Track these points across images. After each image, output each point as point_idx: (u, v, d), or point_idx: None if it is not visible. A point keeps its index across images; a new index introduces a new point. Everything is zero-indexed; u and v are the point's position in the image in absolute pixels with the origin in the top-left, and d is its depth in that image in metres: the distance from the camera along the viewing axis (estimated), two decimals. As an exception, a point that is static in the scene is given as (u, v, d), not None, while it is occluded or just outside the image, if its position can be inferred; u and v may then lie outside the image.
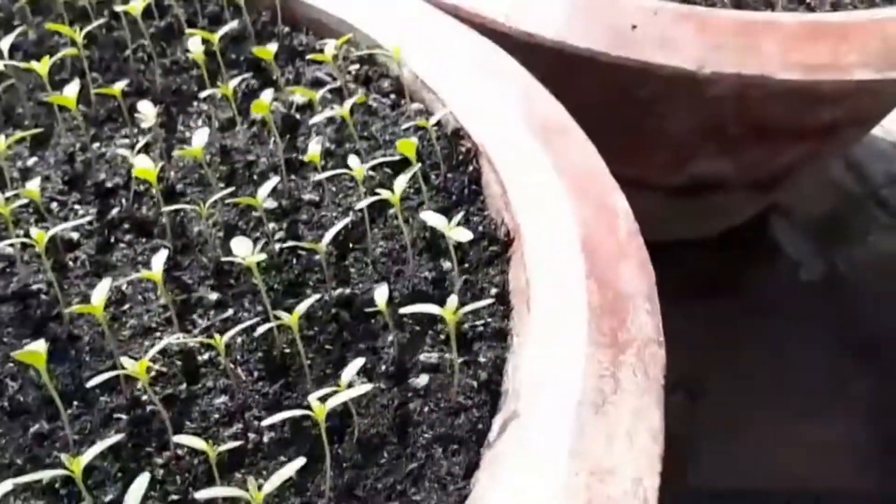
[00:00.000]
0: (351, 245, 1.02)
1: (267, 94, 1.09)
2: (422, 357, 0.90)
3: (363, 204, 0.97)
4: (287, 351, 0.90)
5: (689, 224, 2.00)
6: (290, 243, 0.98)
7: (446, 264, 0.99)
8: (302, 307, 0.85)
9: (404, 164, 1.03)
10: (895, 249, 2.09)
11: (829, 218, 2.13)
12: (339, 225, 0.95)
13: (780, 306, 1.93)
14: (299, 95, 1.16)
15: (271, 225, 1.02)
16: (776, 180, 1.78)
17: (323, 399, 0.76)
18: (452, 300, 0.84)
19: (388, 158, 1.06)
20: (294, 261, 1.00)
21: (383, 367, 0.89)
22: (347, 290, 0.96)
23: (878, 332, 1.91)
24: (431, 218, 0.92)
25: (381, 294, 0.88)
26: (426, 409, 0.86)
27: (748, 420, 1.69)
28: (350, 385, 0.79)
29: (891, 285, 2.00)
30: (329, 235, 0.92)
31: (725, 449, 1.66)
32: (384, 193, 0.95)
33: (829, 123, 1.57)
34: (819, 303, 1.94)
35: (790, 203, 2.14)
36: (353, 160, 1.00)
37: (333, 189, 1.09)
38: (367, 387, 0.79)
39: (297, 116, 1.19)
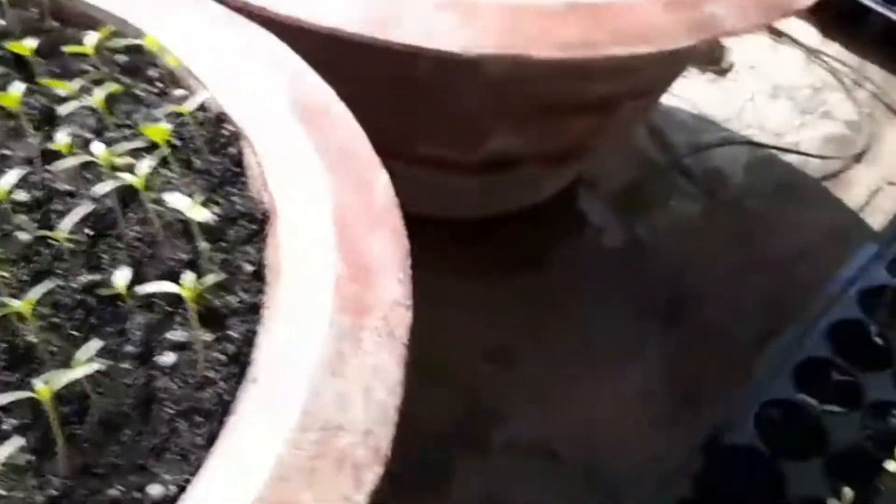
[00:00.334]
0: (104, 232, 1.02)
1: (16, 87, 1.08)
2: (169, 336, 0.92)
3: (104, 189, 0.98)
4: (32, 340, 0.90)
5: (501, 199, 2.07)
6: (39, 233, 0.98)
7: (203, 245, 1.01)
8: (34, 293, 0.85)
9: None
10: (695, 214, 2.23)
11: (632, 187, 2.26)
12: (81, 211, 0.95)
13: (585, 274, 2.03)
14: (61, 89, 1.15)
15: (23, 217, 1.02)
16: (569, 153, 1.87)
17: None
18: (189, 277, 0.87)
19: (139, 144, 1.07)
20: (44, 251, 1.00)
21: (129, 348, 0.90)
22: (97, 277, 0.96)
23: (678, 293, 2.04)
24: (174, 200, 0.94)
25: (121, 277, 0.89)
26: (172, 385, 0.88)
27: (554, 384, 1.78)
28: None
29: (690, 248, 2.14)
30: (69, 222, 0.93)
31: (533, 412, 1.74)
32: (128, 178, 0.96)
33: (605, 98, 1.67)
34: (622, 268, 2.06)
35: (595, 174, 2.25)
36: (96, 146, 1.01)
37: (90, 177, 1.09)
38: (96, 365, 0.81)
39: (57, 109, 1.19)
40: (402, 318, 0.93)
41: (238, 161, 1.15)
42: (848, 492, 1.44)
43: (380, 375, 0.89)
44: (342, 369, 0.88)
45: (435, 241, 1.89)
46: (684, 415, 1.74)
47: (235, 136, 1.15)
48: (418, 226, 1.72)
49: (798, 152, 2.36)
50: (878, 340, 1.77)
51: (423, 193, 1.94)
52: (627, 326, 1.90)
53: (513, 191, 2.05)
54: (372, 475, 0.82)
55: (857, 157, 2.37)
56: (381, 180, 1.08)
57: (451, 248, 1.96)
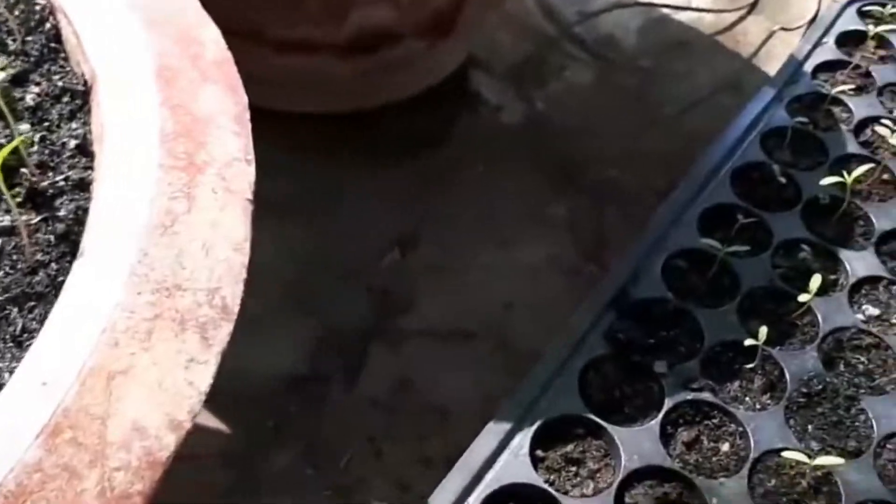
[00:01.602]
0: None
1: None
2: (-13, 223, 0.83)
3: None
4: None
5: (388, 86, 1.99)
6: None
7: (23, 126, 0.92)
8: None
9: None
10: (589, 80, 2.18)
11: (526, 62, 2.19)
12: None
13: (484, 152, 1.98)
14: None
15: None
16: (445, 23, 1.79)
17: None
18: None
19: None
20: None
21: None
22: None
23: (577, 158, 2.00)
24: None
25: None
26: None
27: (462, 263, 1.73)
28: None
29: (587, 113, 2.09)
30: None
31: (443, 294, 1.70)
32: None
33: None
34: (521, 142, 2.01)
35: (488, 54, 2.17)
36: None
37: None
38: None
39: None
40: (242, 174, 0.86)
41: (55, 36, 1.05)
42: (764, 330, 1.42)
43: (221, 232, 0.82)
44: (175, 228, 0.81)
45: (327, 134, 1.82)
46: (593, 274, 1.71)
47: (50, 11, 1.05)
48: (308, 123, 1.63)
49: (690, 9, 2.32)
50: (782, 180, 1.75)
51: (305, 89, 1.86)
52: (530, 196, 1.87)
53: (400, 76, 1.97)
54: (221, 334, 0.75)
55: (750, 8, 2.33)
56: (210, 35, 1.00)
57: (345, 140, 1.89)
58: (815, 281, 1.50)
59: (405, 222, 1.77)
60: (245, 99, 0.96)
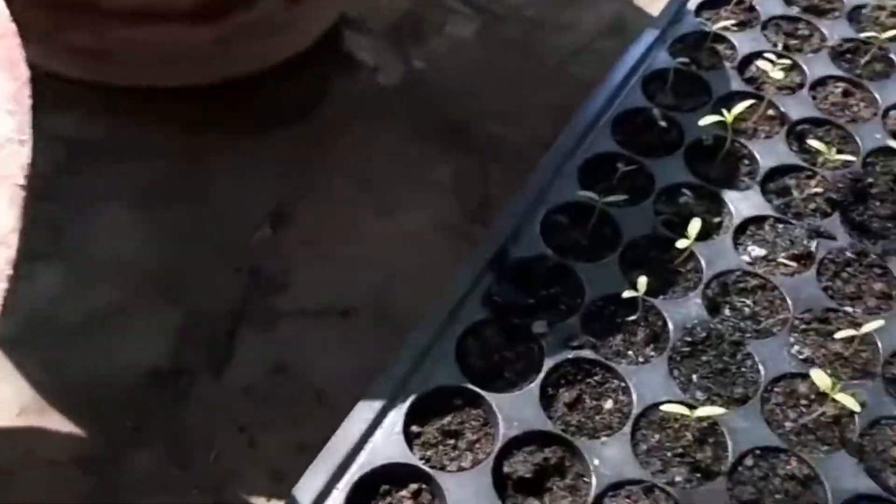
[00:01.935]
0: None
1: None
2: None
3: None
4: None
5: (251, 55, 1.89)
6: None
7: None
8: None
9: None
10: (471, 34, 2.10)
11: (404, 19, 2.11)
12: None
13: (361, 117, 1.91)
14: None
15: None
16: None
17: None
18: None
19: None
20: None
21: None
22: None
23: (461, 115, 1.93)
24: None
25: None
26: None
27: (339, 236, 1.66)
28: None
29: (470, 69, 2.02)
30: None
31: (319, 270, 1.62)
32: None
33: None
34: (400, 103, 1.94)
35: (363, 13, 2.08)
36: None
37: None
38: None
39: None
40: (13, 156, 0.77)
41: None
42: (643, 280, 1.38)
43: (-14, 223, 0.73)
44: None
45: (193, 109, 1.72)
46: (477, 236, 1.65)
47: None
48: (172, 98, 1.52)
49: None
50: (663, 124, 1.71)
51: (164, 62, 1.75)
52: (412, 159, 1.80)
53: (264, 42, 1.87)
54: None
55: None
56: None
57: (213, 114, 1.79)
58: (695, 225, 1.46)
59: (279, 196, 1.69)
60: (26, 74, 0.86)
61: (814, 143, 1.64)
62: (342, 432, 1.24)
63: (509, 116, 1.87)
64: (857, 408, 1.24)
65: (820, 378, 1.26)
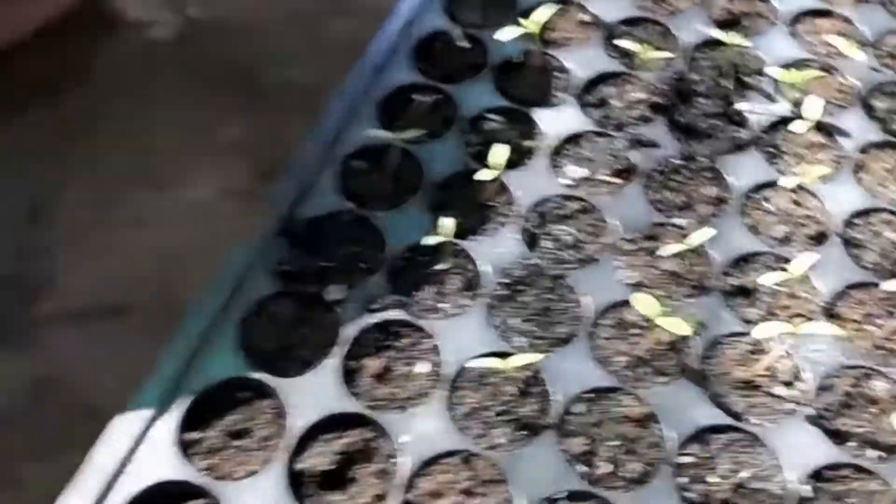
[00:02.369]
0: None
1: None
2: None
3: None
4: None
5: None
6: None
7: None
8: None
9: None
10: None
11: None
12: None
13: (134, 78, 1.68)
14: None
15: None
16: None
17: None
18: None
19: None
20: None
21: None
22: None
23: (245, 66, 1.73)
24: None
25: None
26: None
27: (110, 215, 1.46)
28: None
29: (247, 9, 1.82)
30: None
31: (88, 264, 1.42)
32: None
33: None
34: (178, 57, 1.73)
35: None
36: None
37: None
38: None
39: None
40: None
41: None
42: (448, 222, 1.23)
43: None
44: None
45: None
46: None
47: None
48: None
49: None
50: (465, 44, 1.55)
51: None
52: (195, 119, 1.61)
53: (13, 8, 1.63)
54: None
55: None
56: None
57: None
58: (498, 153, 1.32)
59: (39, 187, 1.46)
60: None
61: (626, 44, 1.51)
62: (98, 454, 1.07)
63: (302, 57, 1.69)
64: (685, 331, 1.12)
65: (643, 303, 1.14)
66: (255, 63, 1.70)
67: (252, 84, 1.66)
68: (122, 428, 1.09)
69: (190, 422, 1.12)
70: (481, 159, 1.37)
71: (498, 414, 1.14)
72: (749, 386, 1.17)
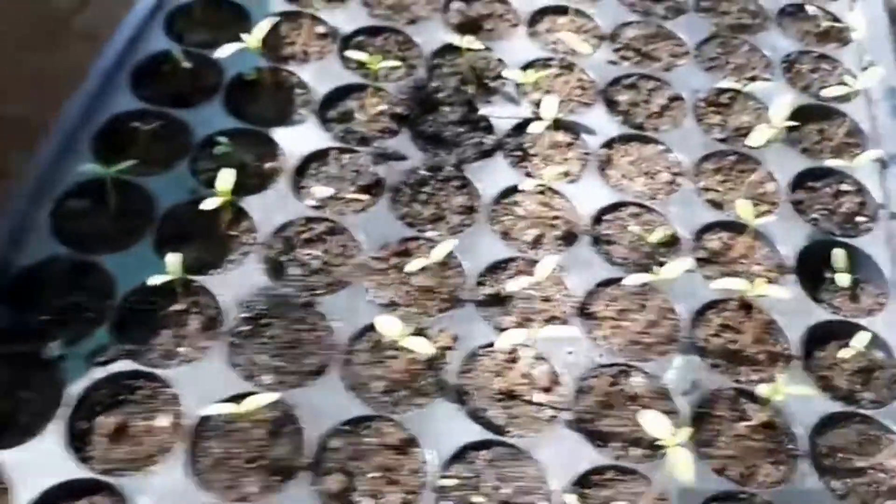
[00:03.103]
0: None
1: None
2: None
3: None
4: None
5: None
6: None
7: None
8: None
9: None
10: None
11: None
12: None
13: None
14: None
15: None
16: None
17: None
18: None
19: None
20: None
21: None
22: None
23: None
24: None
25: None
26: None
27: None
28: None
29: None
30: None
31: None
32: None
33: None
34: None
35: None
36: None
37: None
38: None
39: None
40: None
41: None
42: (174, 259, 1.17)
43: None
44: None
45: None
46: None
47: None
48: None
49: None
50: (188, 65, 1.50)
51: None
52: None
53: None
54: None
55: None
56: None
57: None
58: (225, 178, 1.29)
59: None
60: None
61: (360, 55, 1.50)
62: None
63: (20, 89, 1.57)
64: (428, 350, 1.12)
65: (386, 326, 1.13)
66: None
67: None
68: None
69: None
70: (213, 186, 1.32)
71: (248, 461, 1.10)
72: (509, 396, 1.19)
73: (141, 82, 1.52)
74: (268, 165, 1.43)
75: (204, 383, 1.16)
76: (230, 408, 1.07)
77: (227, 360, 1.19)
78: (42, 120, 1.46)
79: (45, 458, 1.08)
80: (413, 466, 1.13)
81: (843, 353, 1.24)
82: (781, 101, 1.43)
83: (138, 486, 1.08)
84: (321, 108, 1.52)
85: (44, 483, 1.06)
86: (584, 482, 1.12)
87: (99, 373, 1.17)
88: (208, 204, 1.26)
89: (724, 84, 1.59)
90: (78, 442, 1.11)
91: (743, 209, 1.32)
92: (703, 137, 1.53)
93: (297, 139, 1.46)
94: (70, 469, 1.08)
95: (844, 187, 1.48)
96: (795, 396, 1.17)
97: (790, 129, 1.49)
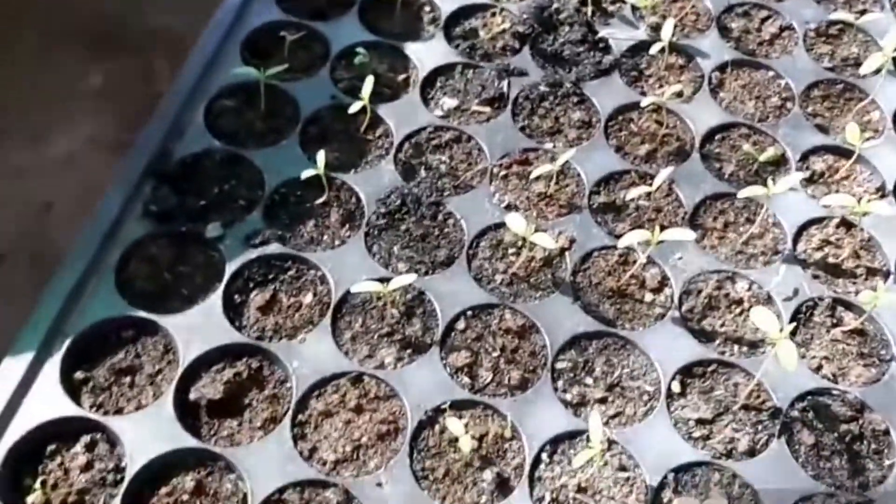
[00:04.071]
0: None
1: None
2: None
3: None
4: None
5: None
6: None
7: None
8: None
9: None
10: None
11: None
12: None
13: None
14: None
15: None
16: None
17: None
18: None
19: None
20: None
21: None
22: None
23: (112, 9, 1.74)
24: None
25: None
26: None
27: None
28: None
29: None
30: None
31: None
32: None
33: None
34: (42, 4, 1.71)
35: None
36: None
37: None
38: None
39: None
40: None
41: None
42: (321, 156, 1.30)
43: None
44: None
45: None
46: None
47: None
48: None
49: None
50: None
51: None
52: (59, 68, 1.62)
53: None
54: None
55: None
56: None
57: None
58: (368, 85, 1.38)
59: None
60: None
61: (489, -24, 1.59)
62: (-17, 397, 1.10)
63: (167, 4, 1.71)
64: (553, 244, 1.23)
65: (514, 223, 1.24)
66: (121, 8, 1.71)
67: (119, 30, 1.68)
68: (6, 374, 1.13)
69: (75, 362, 1.17)
70: (352, 93, 1.44)
71: (383, 336, 1.23)
72: (620, 294, 1.29)
73: (283, -4, 1.63)
74: (400, 77, 1.54)
75: (344, 267, 1.29)
76: (376, 286, 1.20)
77: (363, 248, 1.32)
78: (192, 32, 1.59)
79: (206, 323, 1.22)
80: (531, 350, 1.24)
81: (940, 271, 1.30)
82: (893, 33, 1.48)
83: (289, 351, 1.21)
84: (447, 25, 1.61)
85: (204, 345, 1.20)
86: (687, 372, 1.22)
87: (251, 253, 1.30)
88: (352, 108, 1.38)
89: (835, 16, 1.64)
90: (234, 312, 1.25)
91: (851, 133, 1.38)
92: (812, 66, 1.58)
93: (426, 53, 1.57)
94: (228, 334, 1.22)
95: (951, 117, 1.52)
96: (889, 307, 1.25)
97: (898, 60, 1.54)
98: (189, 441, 1.11)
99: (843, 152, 1.43)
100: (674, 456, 1.14)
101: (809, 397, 1.20)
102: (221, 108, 1.46)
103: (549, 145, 1.44)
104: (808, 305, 1.28)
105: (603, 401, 1.20)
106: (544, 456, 1.14)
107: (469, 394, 1.18)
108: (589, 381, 1.21)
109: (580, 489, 1.12)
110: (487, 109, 1.50)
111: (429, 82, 1.53)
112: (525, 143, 1.45)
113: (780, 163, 1.44)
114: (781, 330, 1.10)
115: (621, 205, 1.38)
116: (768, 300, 1.28)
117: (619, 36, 1.59)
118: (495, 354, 1.22)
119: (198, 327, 1.21)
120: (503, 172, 1.41)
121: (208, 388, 1.17)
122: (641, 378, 1.21)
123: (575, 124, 1.48)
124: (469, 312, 1.26)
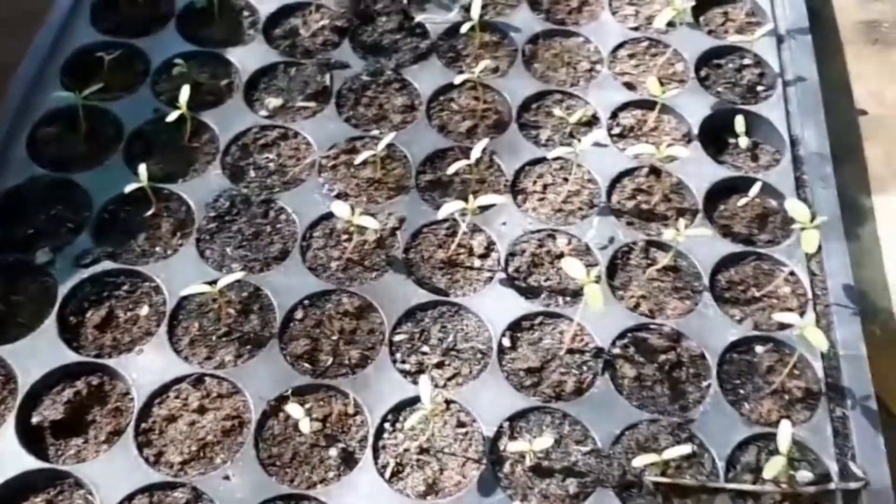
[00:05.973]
0: None
1: None
2: None
3: None
4: None
5: None
6: None
7: None
8: None
9: None
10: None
11: None
12: None
13: None
14: None
15: None
16: None
17: None
18: None
19: None
20: None
21: None
22: None
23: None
24: None
25: None
26: None
27: None
28: None
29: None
30: None
31: None
32: None
33: None
34: None
35: None
36: None
37: None
38: None
39: None
40: None
41: None
42: (143, 168, 1.30)
43: None
44: None
45: None
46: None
47: None
48: None
49: None
50: (145, -3, 1.61)
51: None
52: None
53: None
54: None
55: None
56: None
57: None
58: (184, 93, 1.40)
59: None
60: None
61: (297, -26, 1.62)
62: None
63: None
64: (376, 225, 1.27)
65: (339, 209, 1.27)
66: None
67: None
68: None
69: None
70: (176, 105, 1.45)
71: (221, 336, 1.25)
72: (450, 264, 1.33)
73: (99, 15, 1.63)
74: (223, 82, 1.55)
75: (179, 275, 1.30)
76: (204, 287, 1.22)
77: (196, 253, 1.33)
78: (11, 62, 1.58)
79: (43, 347, 1.22)
80: (368, 328, 1.28)
81: (742, 202, 1.39)
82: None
83: (128, 363, 1.22)
84: (266, 26, 1.64)
85: (40, 368, 1.21)
86: (516, 327, 1.28)
87: (83, 273, 1.30)
88: (169, 117, 1.40)
89: (638, -24, 1.71)
90: (70, 332, 1.25)
91: (652, 86, 1.46)
92: (618, 27, 1.65)
93: (248, 56, 1.59)
94: (66, 354, 1.22)
95: (746, 62, 1.61)
96: (698, 241, 1.32)
97: (696, 14, 1.62)
98: (35, 464, 1.11)
99: (650, 105, 1.50)
100: (507, 406, 1.18)
101: (629, 335, 1.26)
102: (44, 135, 1.45)
103: (375, 132, 1.47)
104: (624, 251, 1.34)
105: (440, 365, 1.24)
106: (387, 425, 1.18)
107: (311, 378, 1.20)
108: (426, 349, 1.25)
109: (422, 451, 1.15)
110: (312, 104, 1.53)
111: (252, 84, 1.55)
112: (351, 133, 1.48)
113: (592, 123, 1.50)
114: (589, 275, 1.16)
115: (447, 181, 1.42)
116: (587, 251, 1.34)
117: (435, 20, 1.63)
118: (335, 338, 1.25)
119: (35, 353, 1.21)
120: (331, 163, 1.44)
121: (49, 411, 1.17)
122: (475, 339, 1.25)
123: (398, 109, 1.52)
124: (306, 301, 1.29)
